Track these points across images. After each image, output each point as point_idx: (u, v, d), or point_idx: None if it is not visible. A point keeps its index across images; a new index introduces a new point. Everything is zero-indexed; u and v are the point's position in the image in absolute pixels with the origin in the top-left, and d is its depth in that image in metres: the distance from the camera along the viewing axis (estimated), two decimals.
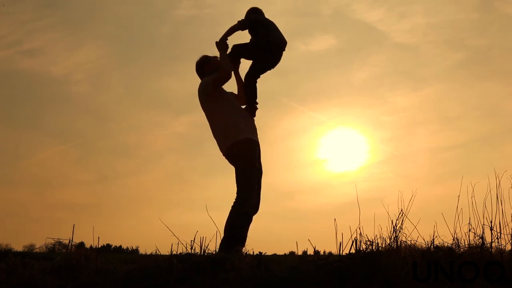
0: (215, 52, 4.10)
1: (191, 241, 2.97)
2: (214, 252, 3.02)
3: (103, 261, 3.01)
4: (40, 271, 2.81)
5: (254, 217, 3.90)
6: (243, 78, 4.20)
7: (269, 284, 2.50)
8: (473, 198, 3.05)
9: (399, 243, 2.85)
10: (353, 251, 2.72)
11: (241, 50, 4.13)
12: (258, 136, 4.05)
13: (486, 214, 3.02)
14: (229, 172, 3.91)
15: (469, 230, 3.03)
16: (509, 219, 3.01)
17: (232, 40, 4.15)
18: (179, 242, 2.99)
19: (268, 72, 4.17)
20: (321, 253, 2.87)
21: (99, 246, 3.06)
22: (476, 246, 2.96)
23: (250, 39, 4.19)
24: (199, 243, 2.97)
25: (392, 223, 2.89)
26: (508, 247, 3.00)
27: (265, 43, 4.06)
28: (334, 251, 2.79)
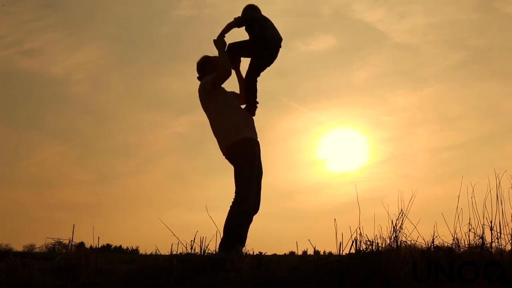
0: (215, 52, 4.10)
1: (191, 241, 2.98)
2: (214, 252, 3.02)
3: (103, 261, 3.01)
4: (40, 271, 2.81)
5: (254, 217, 3.90)
6: (244, 77, 4.21)
7: (269, 284, 2.50)
8: (473, 198, 3.06)
9: (399, 243, 2.85)
10: (353, 251, 2.72)
11: (237, 49, 4.13)
12: (258, 136, 4.06)
13: (486, 214, 3.02)
14: (229, 172, 3.91)
15: (469, 230, 3.03)
16: (509, 219, 3.01)
17: (230, 39, 4.16)
18: (179, 242, 2.99)
19: (268, 72, 4.19)
20: (321, 253, 2.87)
21: (99, 246, 3.06)
22: (476, 246, 2.96)
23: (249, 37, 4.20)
24: (199, 243, 2.98)
25: (392, 223, 2.89)
26: (508, 247, 3.00)
27: (260, 40, 4.06)
28: (334, 251, 2.79)
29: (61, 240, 3.18)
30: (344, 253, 2.72)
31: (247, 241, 3.74)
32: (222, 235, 3.62)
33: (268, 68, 4.17)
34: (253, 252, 2.98)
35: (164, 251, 2.98)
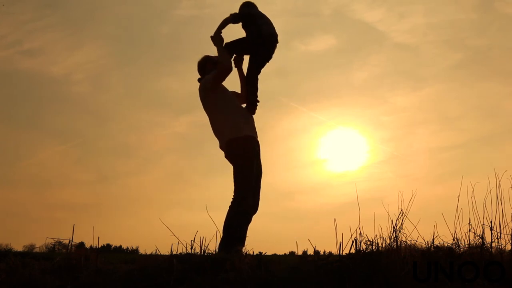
0: (215, 52, 4.10)
1: (191, 241, 2.98)
2: (214, 252, 3.02)
3: (103, 261, 3.01)
4: (40, 271, 2.81)
5: (254, 217, 3.89)
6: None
7: (269, 284, 2.50)
8: (473, 198, 3.06)
9: (399, 243, 2.85)
10: (353, 251, 2.72)
11: (234, 47, 4.13)
12: (258, 136, 4.06)
13: (486, 214, 3.02)
14: (229, 172, 3.91)
15: (469, 230, 3.03)
16: (509, 219, 3.01)
17: (228, 38, 4.15)
18: (179, 242, 2.99)
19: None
20: (321, 253, 2.87)
21: (99, 246, 3.06)
22: (476, 246, 2.96)
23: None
24: (199, 243, 2.98)
25: (392, 223, 2.89)
26: (508, 247, 3.00)
27: (257, 37, 4.06)
28: (334, 251, 2.79)
29: (61, 240, 3.18)
30: (344, 253, 2.72)
31: (247, 241, 3.74)
32: (222, 235, 3.62)
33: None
34: (253, 252, 2.98)
35: (164, 251, 2.98)
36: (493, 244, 2.97)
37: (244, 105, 4.14)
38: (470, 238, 3.01)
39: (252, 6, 4.23)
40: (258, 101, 4.13)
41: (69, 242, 3.03)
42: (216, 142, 4.06)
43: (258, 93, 4.15)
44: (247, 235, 3.79)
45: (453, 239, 3.06)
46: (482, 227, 2.98)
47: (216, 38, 4.07)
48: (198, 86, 4.14)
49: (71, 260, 2.94)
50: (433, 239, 3.04)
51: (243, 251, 3.08)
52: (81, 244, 3.27)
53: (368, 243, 2.75)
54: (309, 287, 2.47)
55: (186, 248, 2.97)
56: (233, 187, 3.83)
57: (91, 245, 3.10)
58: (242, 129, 3.91)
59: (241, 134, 3.89)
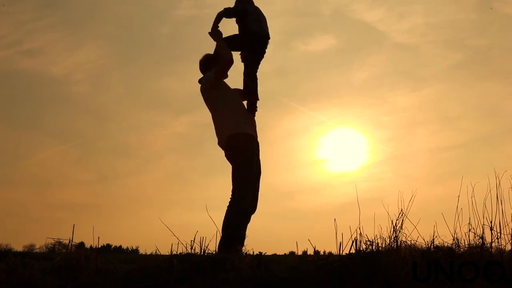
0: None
1: (191, 241, 2.98)
2: (214, 252, 3.02)
3: (103, 261, 3.01)
4: (40, 271, 2.81)
5: (254, 217, 3.89)
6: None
7: (269, 284, 2.50)
8: (473, 198, 3.05)
9: (399, 243, 2.84)
10: (353, 251, 2.71)
11: (228, 43, 4.11)
12: (258, 137, 4.05)
13: (486, 214, 3.02)
14: (229, 172, 3.91)
15: (469, 230, 3.03)
16: (509, 219, 3.01)
17: (225, 33, 4.15)
18: (179, 242, 2.99)
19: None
20: (321, 253, 2.87)
21: (99, 246, 3.06)
22: (476, 246, 2.96)
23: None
24: (199, 243, 2.97)
25: (392, 223, 2.89)
26: (508, 247, 3.00)
27: (251, 33, 4.06)
28: (334, 251, 2.79)
29: (61, 240, 3.18)
30: (344, 253, 2.72)
31: (247, 241, 3.74)
32: (221, 234, 3.62)
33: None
34: (253, 252, 2.98)
35: (164, 251, 2.98)
36: (493, 244, 2.97)
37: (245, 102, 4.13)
38: (470, 238, 3.02)
39: (248, 1, 4.22)
40: (258, 99, 4.12)
41: (69, 242, 3.03)
42: (216, 142, 4.06)
43: (258, 93, 4.15)
44: (246, 235, 3.79)
45: (453, 239, 3.06)
46: (482, 227, 2.98)
47: (214, 32, 4.06)
48: (200, 87, 4.14)
49: (71, 260, 2.94)
50: (433, 239, 3.04)
51: (243, 251, 3.08)
52: (81, 244, 3.27)
53: (368, 243, 2.75)
54: (309, 287, 2.47)
55: (186, 248, 2.97)
56: (232, 186, 3.82)
57: (91, 245, 3.10)
58: (243, 126, 3.90)
59: (242, 130, 3.88)
